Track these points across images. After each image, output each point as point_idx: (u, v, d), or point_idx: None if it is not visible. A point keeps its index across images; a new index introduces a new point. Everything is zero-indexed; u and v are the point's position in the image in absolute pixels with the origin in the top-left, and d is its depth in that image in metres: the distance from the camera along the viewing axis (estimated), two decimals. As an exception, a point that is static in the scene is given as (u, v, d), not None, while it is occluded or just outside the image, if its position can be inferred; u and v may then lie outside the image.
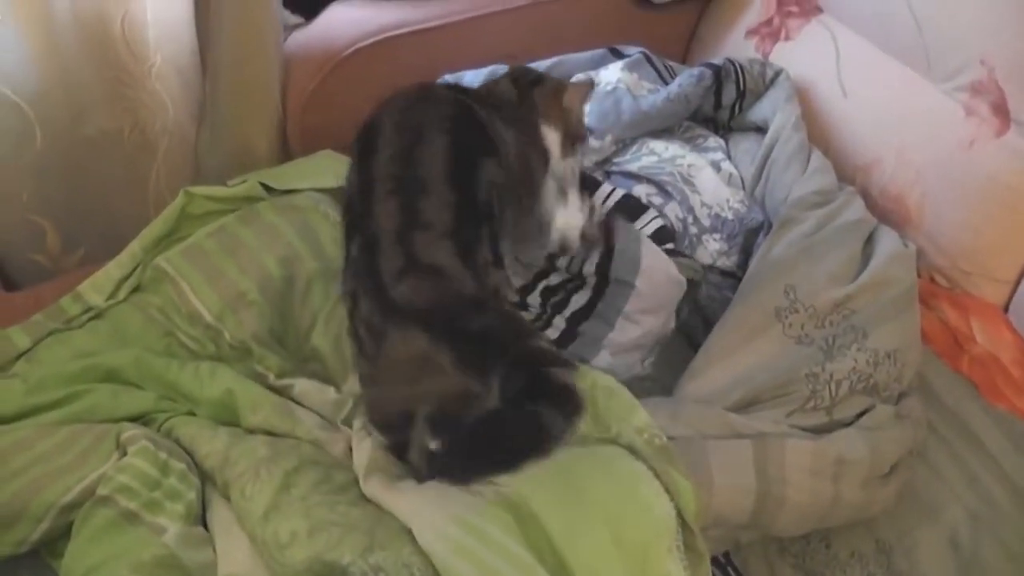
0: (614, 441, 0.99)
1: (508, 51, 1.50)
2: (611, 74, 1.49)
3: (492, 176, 0.97)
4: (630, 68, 1.51)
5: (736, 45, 1.65)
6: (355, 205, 0.97)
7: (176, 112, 1.35)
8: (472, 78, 1.44)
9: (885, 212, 1.40)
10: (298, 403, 1.11)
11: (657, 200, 1.33)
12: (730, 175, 1.43)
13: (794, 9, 1.59)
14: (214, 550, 0.98)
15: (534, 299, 1.19)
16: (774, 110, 1.46)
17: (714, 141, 1.49)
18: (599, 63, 1.54)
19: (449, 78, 1.45)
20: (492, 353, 0.80)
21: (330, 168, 1.34)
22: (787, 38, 1.59)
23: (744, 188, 1.42)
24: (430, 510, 0.94)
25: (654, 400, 1.10)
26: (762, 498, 1.04)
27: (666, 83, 1.51)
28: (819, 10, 1.56)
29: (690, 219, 1.34)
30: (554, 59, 1.52)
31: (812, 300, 1.18)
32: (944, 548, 1.12)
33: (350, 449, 1.04)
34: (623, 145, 1.45)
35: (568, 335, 1.16)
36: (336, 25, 1.49)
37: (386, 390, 0.97)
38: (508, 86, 1.12)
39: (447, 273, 0.87)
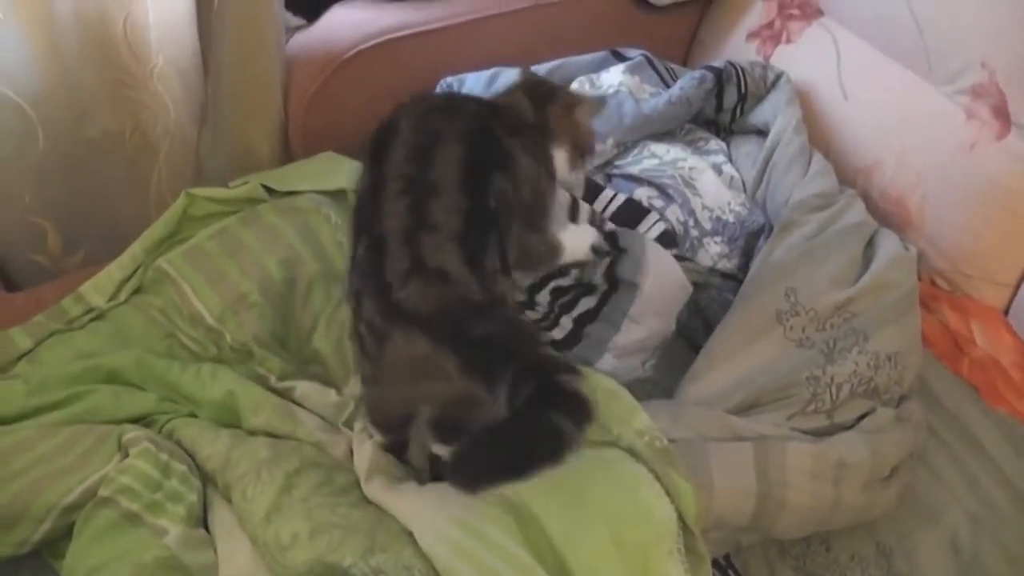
0: (615, 444, 0.99)
1: (509, 53, 1.50)
2: (613, 77, 1.49)
3: (501, 187, 0.97)
4: (632, 71, 1.51)
5: (737, 48, 1.65)
6: (365, 205, 0.96)
7: (178, 114, 1.35)
8: (474, 81, 1.44)
9: (886, 215, 1.40)
10: (299, 405, 1.11)
11: (658, 203, 1.34)
12: (731, 178, 1.43)
13: (795, 12, 1.59)
14: (215, 552, 0.98)
15: (543, 297, 1.19)
16: (775, 113, 1.46)
17: (715, 144, 1.49)
18: (601, 66, 1.54)
19: (451, 80, 1.45)
20: (498, 360, 0.79)
21: (331, 170, 1.34)
22: (788, 41, 1.59)
23: (745, 191, 1.43)
24: (431, 512, 0.94)
25: (655, 403, 1.10)
26: (763, 501, 1.04)
27: (667, 86, 1.52)
28: (820, 13, 1.56)
29: (691, 222, 1.34)
30: (556, 62, 1.52)
31: (813, 303, 1.18)
32: (944, 551, 1.12)
33: (351, 451, 1.04)
34: (624, 148, 1.45)
35: (574, 337, 1.16)
36: (338, 27, 1.49)
37: (387, 391, 0.97)
38: (523, 100, 1.10)
39: (453, 278, 0.87)
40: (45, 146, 1.26)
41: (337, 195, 1.31)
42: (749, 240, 1.35)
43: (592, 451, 0.98)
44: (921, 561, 1.11)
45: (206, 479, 1.04)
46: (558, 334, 1.16)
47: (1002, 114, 1.28)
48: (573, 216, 1.24)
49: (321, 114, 1.43)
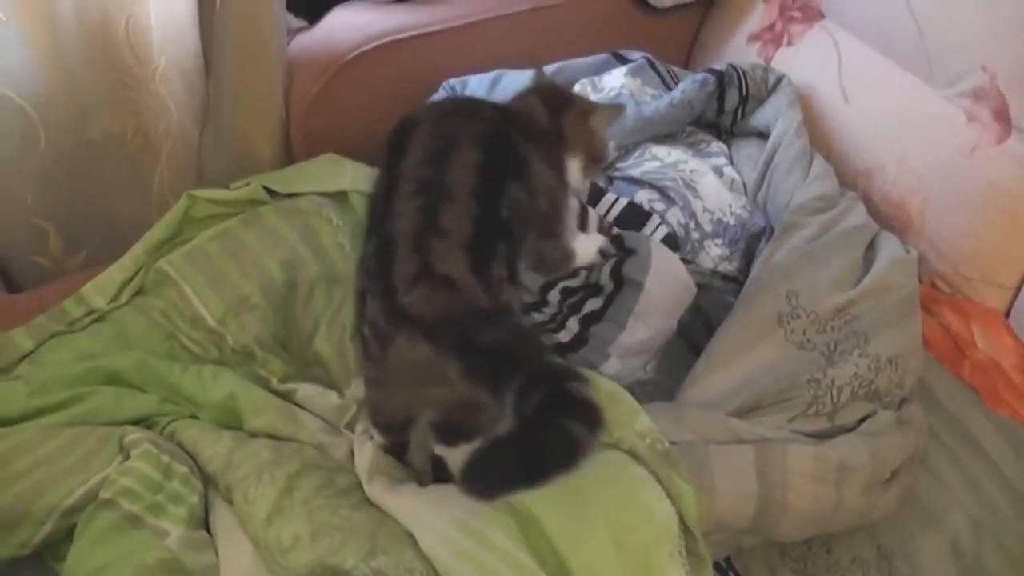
0: (616, 446, 0.99)
1: (510, 55, 1.50)
2: (615, 80, 1.49)
3: (516, 196, 0.96)
4: (633, 73, 1.51)
5: (738, 50, 1.66)
6: (378, 204, 0.96)
7: (179, 115, 1.35)
8: (477, 83, 1.45)
9: (887, 218, 1.40)
10: (301, 407, 1.11)
11: (659, 206, 1.34)
12: (732, 180, 1.43)
13: (796, 14, 1.59)
14: (216, 554, 0.98)
15: (554, 296, 1.19)
16: (776, 115, 1.46)
17: (717, 146, 1.49)
18: (602, 68, 1.54)
19: (454, 82, 1.45)
20: (505, 367, 0.79)
21: (333, 172, 1.34)
22: (789, 43, 1.59)
23: (746, 193, 1.43)
24: (432, 514, 0.94)
25: (656, 405, 1.11)
26: (764, 503, 1.04)
27: (669, 88, 1.52)
28: (821, 15, 1.56)
29: (692, 224, 1.34)
30: (557, 64, 1.52)
31: (814, 306, 1.18)
32: (945, 554, 1.12)
33: (352, 453, 1.04)
34: (626, 150, 1.45)
35: (579, 339, 1.16)
36: (339, 29, 1.49)
37: (389, 392, 0.97)
38: (538, 107, 1.10)
39: (459, 285, 0.86)
40: (47, 147, 1.26)
41: (338, 197, 1.31)
42: (750, 242, 1.35)
43: (593, 453, 0.98)
44: (922, 563, 1.11)
45: (207, 481, 1.04)
46: (564, 337, 1.16)
47: (1003, 117, 1.28)
48: (583, 224, 1.24)
49: (322, 116, 1.43)
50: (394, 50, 1.46)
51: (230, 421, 1.09)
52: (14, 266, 1.36)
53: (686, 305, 1.22)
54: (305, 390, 1.12)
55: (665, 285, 1.18)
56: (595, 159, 1.14)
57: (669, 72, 1.56)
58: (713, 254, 1.33)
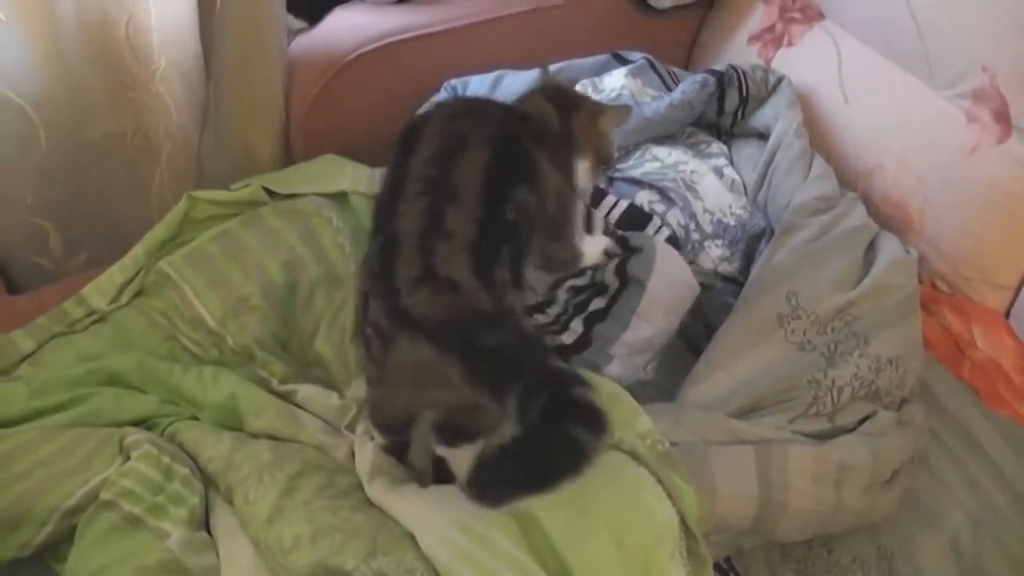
0: (617, 447, 0.99)
1: (510, 56, 1.50)
2: (615, 80, 1.50)
3: (524, 199, 0.96)
4: (634, 74, 1.51)
5: (738, 51, 1.66)
6: (383, 203, 0.95)
7: (179, 116, 1.35)
8: (478, 83, 1.45)
9: (887, 218, 1.40)
10: (301, 408, 1.11)
11: (659, 207, 1.34)
12: (732, 181, 1.43)
13: (796, 15, 1.59)
14: (217, 555, 0.98)
15: (562, 294, 1.19)
16: (776, 116, 1.46)
17: (717, 147, 1.49)
18: (602, 69, 1.55)
19: (455, 82, 1.45)
20: (507, 371, 0.79)
21: (333, 172, 1.34)
22: (789, 44, 1.60)
23: (746, 194, 1.43)
24: (433, 515, 0.94)
25: (657, 406, 1.11)
26: (764, 504, 1.04)
27: (669, 89, 1.52)
28: (821, 16, 1.56)
29: (692, 225, 1.34)
30: (558, 65, 1.52)
31: (814, 306, 1.18)
32: (946, 554, 1.12)
33: (353, 454, 1.04)
34: (626, 151, 1.45)
35: (583, 341, 1.16)
36: (339, 30, 1.49)
37: (391, 393, 0.96)
38: (549, 109, 1.09)
39: (462, 288, 0.86)
40: (47, 148, 1.26)
41: (339, 197, 1.31)
42: (750, 243, 1.35)
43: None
44: (922, 564, 1.11)
45: (208, 482, 1.04)
46: (568, 339, 1.16)
47: (1003, 118, 1.28)
48: (588, 226, 1.25)
49: (322, 117, 1.44)
50: (394, 51, 1.46)
51: (231, 422, 1.09)
52: (14, 267, 1.36)
53: (689, 304, 1.22)
54: (306, 391, 1.12)
55: (669, 283, 1.18)
56: (603, 160, 1.14)
57: (669, 73, 1.56)
58: (713, 255, 1.33)
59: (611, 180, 1.42)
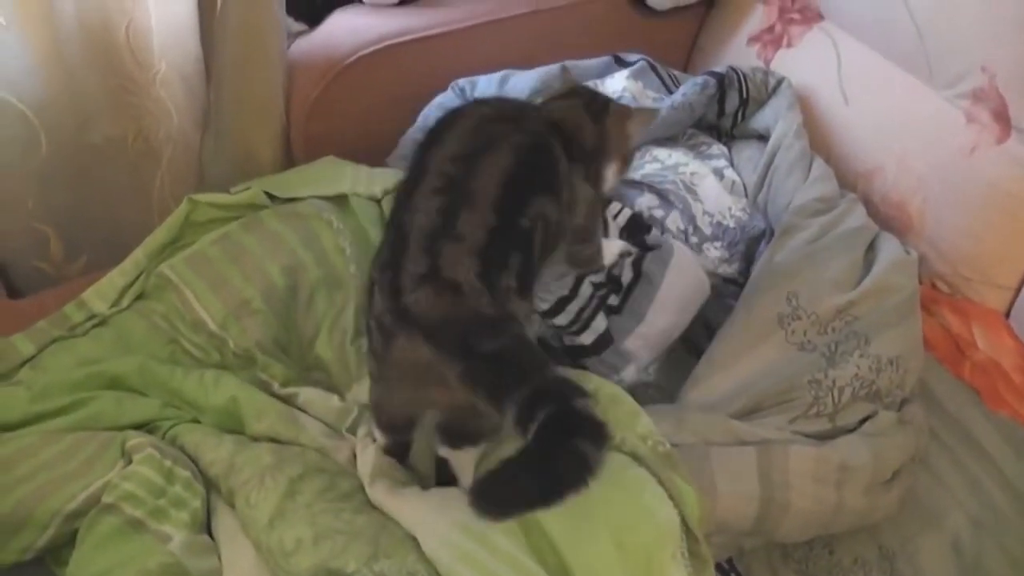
0: (618, 448, 0.99)
1: (510, 58, 1.50)
2: (616, 83, 1.49)
3: (544, 211, 0.96)
4: (635, 76, 1.51)
5: (738, 52, 1.66)
6: (402, 194, 0.95)
7: (180, 119, 1.35)
8: (486, 84, 1.45)
9: (887, 219, 1.40)
10: (302, 411, 1.11)
11: (659, 212, 1.33)
12: (733, 182, 1.43)
13: (796, 16, 1.60)
14: (219, 558, 0.98)
15: (585, 289, 1.19)
16: (776, 118, 1.46)
17: (717, 148, 1.49)
18: (603, 71, 1.54)
19: (463, 83, 1.45)
20: (507, 377, 0.79)
21: (333, 175, 1.34)
22: (789, 45, 1.60)
23: (746, 195, 1.43)
24: (434, 517, 0.94)
25: (658, 407, 1.11)
26: (766, 504, 1.04)
27: (670, 91, 1.52)
28: (820, 17, 1.57)
29: (691, 229, 1.34)
30: (558, 66, 1.52)
31: (814, 307, 1.18)
32: (947, 554, 1.12)
33: (354, 457, 1.05)
34: (626, 152, 1.45)
35: (603, 340, 1.17)
36: (339, 33, 1.49)
37: (392, 389, 0.97)
38: (584, 117, 1.09)
39: (465, 290, 0.86)
40: (48, 152, 1.26)
41: (339, 200, 1.31)
42: (750, 245, 1.35)
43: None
44: (923, 564, 1.11)
45: (209, 485, 1.04)
46: (587, 339, 1.17)
47: (1002, 118, 1.28)
48: (604, 229, 1.25)
49: (323, 119, 1.44)
50: (394, 54, 1.46)
51: (232, 425, 1.09)
52: (15, 271, 1.36)
53: (701, 302, 1.24)
54: (307, 394, 1.12)
55: (684, 280, 1.20)
56: (627, 163, 1.15)
57: (670, 75, 1.56)
58: (711, 257, 1.33)
59: (611, 182, 1.42)
